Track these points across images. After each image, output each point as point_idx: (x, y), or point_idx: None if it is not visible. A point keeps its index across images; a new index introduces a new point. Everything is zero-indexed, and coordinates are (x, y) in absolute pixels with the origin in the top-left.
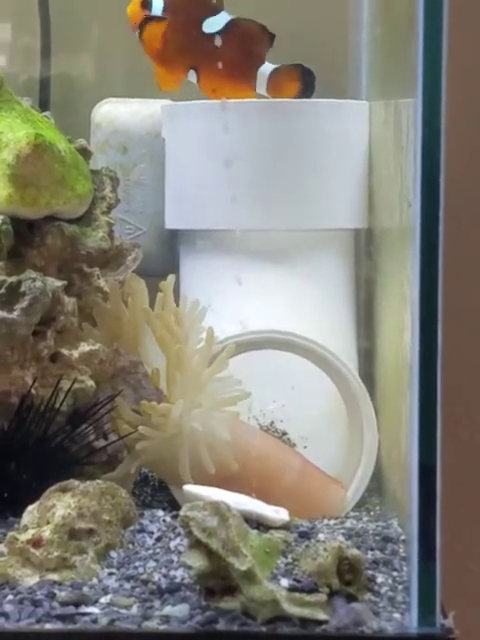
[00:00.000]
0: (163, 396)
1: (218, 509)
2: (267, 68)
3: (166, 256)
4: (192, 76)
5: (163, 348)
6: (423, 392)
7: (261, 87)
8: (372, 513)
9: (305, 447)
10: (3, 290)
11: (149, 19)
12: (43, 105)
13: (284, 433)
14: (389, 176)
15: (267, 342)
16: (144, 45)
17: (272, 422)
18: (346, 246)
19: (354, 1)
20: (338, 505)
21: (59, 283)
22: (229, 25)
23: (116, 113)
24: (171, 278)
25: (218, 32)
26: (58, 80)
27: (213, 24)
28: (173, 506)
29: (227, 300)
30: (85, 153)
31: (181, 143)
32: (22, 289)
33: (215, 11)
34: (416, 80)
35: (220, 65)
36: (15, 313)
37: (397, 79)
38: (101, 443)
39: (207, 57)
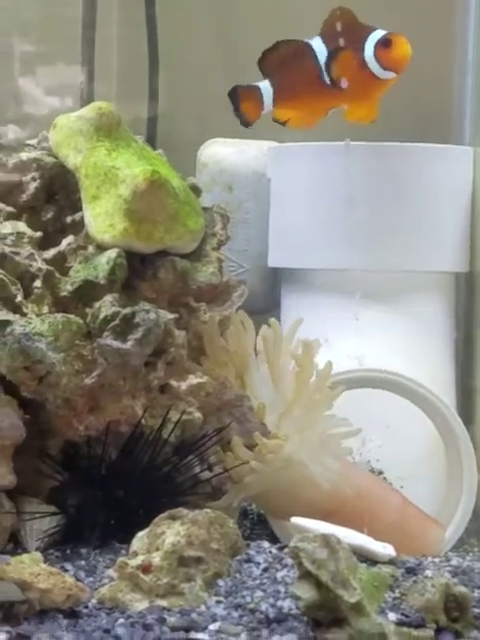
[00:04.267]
0: (267, 430)
1: (328, 542)
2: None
3: (268, 293)
4: None
5: (277, 382)
6: None
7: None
8: (471, 554)
9: (402, 486)
10: (117, 321)
11: None
12: (149, 143)
13: (380, 472)
14: None
15: (376, 381)
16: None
17: (368, 461)
18: (447, 288)
19: (460, 48)
20: (437, 545)
21: (171, 316)
22: None
23: (223, 153)
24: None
25: None
26: (163, 120)
27: None
28: (272, 539)
29: (333, 337)
30: (195, 190)
31: (287, 183)
32: (136, 320)
33: None
34: None
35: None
36: (129, 343)
37: None
38: (206, 475)
39: None
